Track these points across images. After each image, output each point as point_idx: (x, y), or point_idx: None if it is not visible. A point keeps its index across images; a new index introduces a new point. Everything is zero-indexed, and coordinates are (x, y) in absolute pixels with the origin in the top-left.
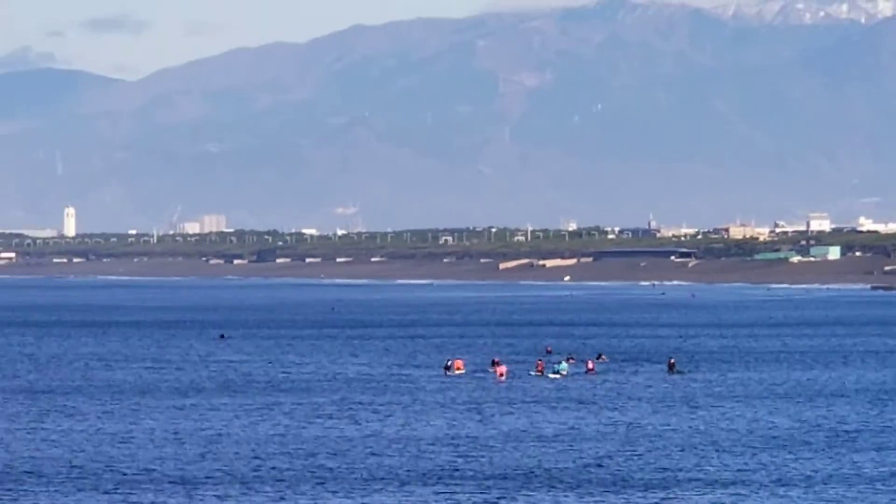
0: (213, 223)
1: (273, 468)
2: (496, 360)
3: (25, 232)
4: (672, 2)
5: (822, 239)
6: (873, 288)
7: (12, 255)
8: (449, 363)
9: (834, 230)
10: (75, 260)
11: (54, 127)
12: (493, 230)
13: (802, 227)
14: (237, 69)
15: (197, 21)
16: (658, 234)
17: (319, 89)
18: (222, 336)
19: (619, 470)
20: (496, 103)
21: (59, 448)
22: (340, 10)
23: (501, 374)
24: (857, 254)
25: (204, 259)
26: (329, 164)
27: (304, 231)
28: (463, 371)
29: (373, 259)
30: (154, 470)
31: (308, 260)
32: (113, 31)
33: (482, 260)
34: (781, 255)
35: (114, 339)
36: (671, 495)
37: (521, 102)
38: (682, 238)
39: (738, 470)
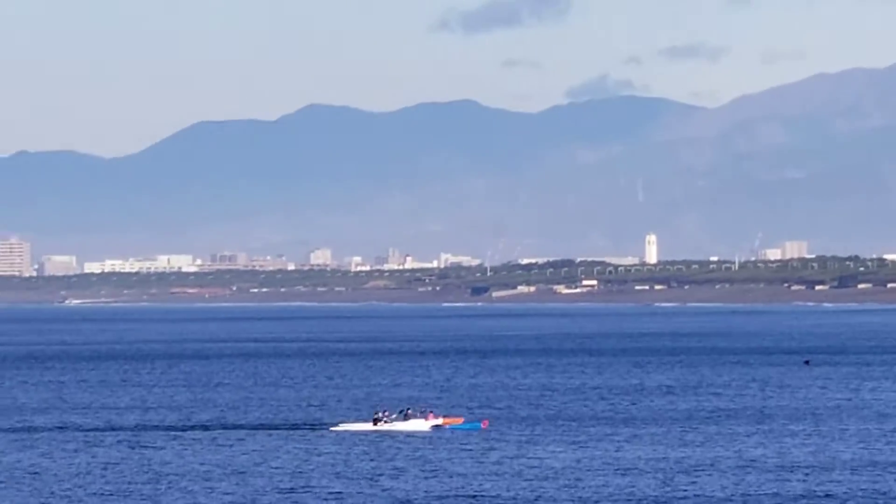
0: (794, 249)
1: None
2: None
3: (608, 259)
4: None
5: None
6: None
7: (594, 282)
8: None
9: None
10: (657, 287)
11: (635, 154)
12: None
13: None
14: (816, 95)
15: (773, 48)
16: None
17: None
18: (806, 362)
19: None
20: None
21: None
22: None
23: None
24: None
25: (785, 285)
26: None
27: (885, 256)
28: None
29: None
30: None
31: (889, 285)
32: (689, 58)
33: None
34: None
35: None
36: None
37: None
38: None
39: None
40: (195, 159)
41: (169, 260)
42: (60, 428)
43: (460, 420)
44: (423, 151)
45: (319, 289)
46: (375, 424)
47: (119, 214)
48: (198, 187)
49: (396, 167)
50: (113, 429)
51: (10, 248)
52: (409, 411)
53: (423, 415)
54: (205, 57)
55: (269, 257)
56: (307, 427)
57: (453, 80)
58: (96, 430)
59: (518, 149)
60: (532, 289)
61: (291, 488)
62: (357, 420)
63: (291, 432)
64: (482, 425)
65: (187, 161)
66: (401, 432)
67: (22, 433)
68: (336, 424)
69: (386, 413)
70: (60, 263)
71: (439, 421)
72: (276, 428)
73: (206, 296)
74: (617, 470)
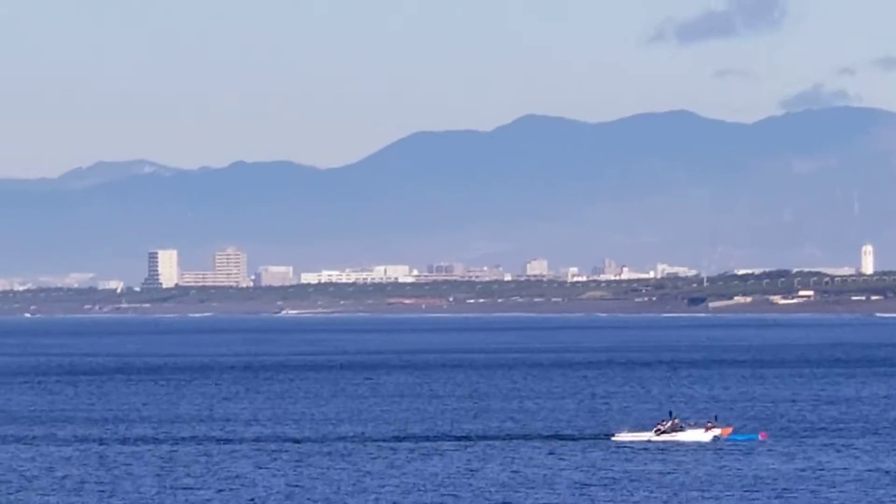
0: None
1: None
2: None
3: (823, 270)
4: None
5: None
6: None
7: (811, 293)
8: None
9: None
10: (873, 298)
11: (851, 164)
12: None
13: None
14: None
15: None
16: None
17: None
18: None
19: None
20: None
21: None
22: None
23: None
24: None
25: None
26: None
27: None
28: None
29: None
30: None
31: None
32: None
33: None
34: None
35: None
36: None
37: None
38: None
39: None
40: (412, 170)
41: (385, 270)
42: (273, 439)
43: (731, 430)
44: (639, 162)
45: (536, 299)
46: (658, 434)
47: (336, 225)
48: (414, 198)
49: (612, 177)
50: (324, 440)
51: (228, 258)
52: (689, 421)
53: (702, 425)
54: (420, 68)
55: (485, 268)
56: (588, 438)
57: (668, 91)
58: (308, 440)
59: (733, 159)
60: (748, 299)
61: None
62: (636, 430)
63: (572, 443)
64: (760, 437)
65: (404, 171)
66: (682, 442)
67: (236, 444)
68: (616, 434)
69: (668, 422)
70: (277, 274)
71: (717, 431)
72: (560, 438)
73: (423, 306)
74: None
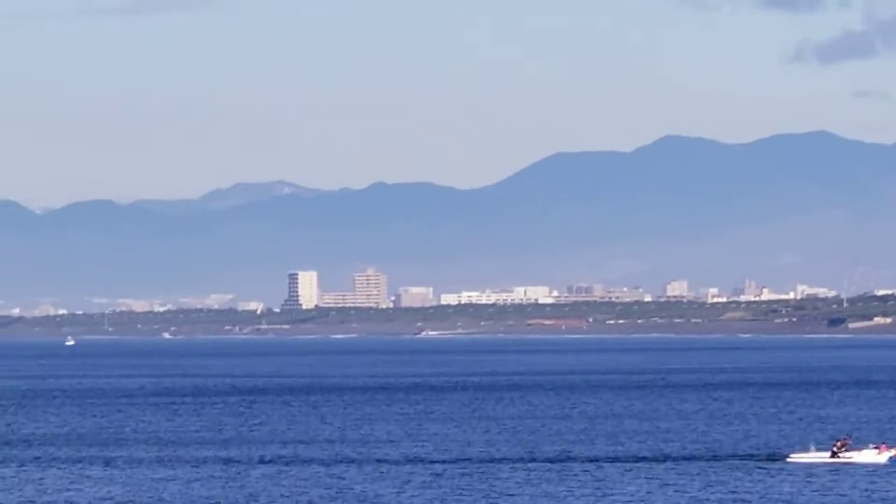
0: None
1: None
2: None
3: None
4: None
5: None
6: None
7: None
8: None
9: None
10: None
11: None
12: None
13: None
14: None
15: None
16: None
17: None
18: None
19: None
20: None
21: None
22: None
23: None
24: None
25: None
26: None
27: None
28: None
29: None
30: None
31: None
32: None
33: None
34: None
35: None
36: None
37: None
38: None
39: None
40: (552, 190)
41: (525, 291)
42: (410, 460)
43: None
44: (779, 182)
45: (675, 320)
46: (833, 456)
47: (475, 246)
48: (554, 218)
49: (751, 198)
50: (459, 460)
51: (368, 279)
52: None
53: (875, 447)
54: (560, 89)
55: (625, 288)
56: (762, 458)
57: (807, 111)
58: (444, 461)
59: (873, 179)
60: (888, 320)
61: None
62: (809, 450)
63: (751, 462)
64: None
65: (544, 192)
66: (858, 464)
67: (372, 464)
68: (792, 455)
69: (842, 442)
70: (417, 295)
71: (892, 452)
72: (737, 458)
73: (563, 327)
74: None
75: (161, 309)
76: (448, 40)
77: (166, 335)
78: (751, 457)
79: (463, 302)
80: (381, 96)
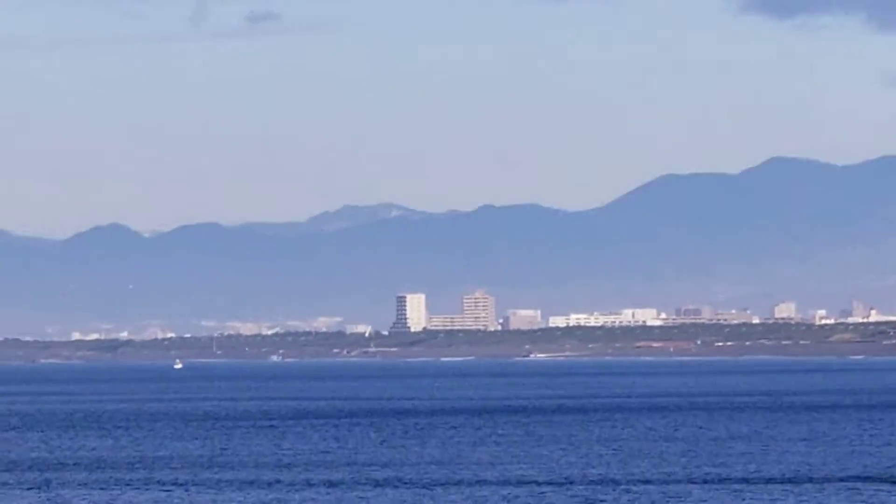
0: None
1: None
2: None
3: None
4: None
5: None
6: None
7: None
8: None
9: None
10: None
11: None
12: None
13: None
14: None
15: None
16: None
17: None
18: None
19: None
20: None
21: None
22: None
23: None
24: None
25: None
26: None
27: None
28: None
29: None
30: None
31: None
32: None
33: None
34: None
35: None
36: None
37: None
38: None
39: None
40: (659, 212)
41: (633, 314)
42: (509, 482)
43: None
44: (886, 203)
45: (783, 342)
46: None
47: (583, 268)
48: (662, 240)
49: (859, 219)
50: (563, 483)
51: (476, 301)
52: None
53: None
54: (668, 112)
55: (733, 310)
56: (878, 480)
57: None
58: (549, 483)
59: None
60: None
61: None
62: None
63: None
64: None
65: (651, 214)
66: None
67: (475, 487)
68: None
69: None
70: (525, 317)
71: None
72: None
73: (671, 350)
74: None
75: (269, 332)
76: (557, 62)
77: (274, 358)
78: (867, 479)
79: (571, 324)
80: (488, 118)
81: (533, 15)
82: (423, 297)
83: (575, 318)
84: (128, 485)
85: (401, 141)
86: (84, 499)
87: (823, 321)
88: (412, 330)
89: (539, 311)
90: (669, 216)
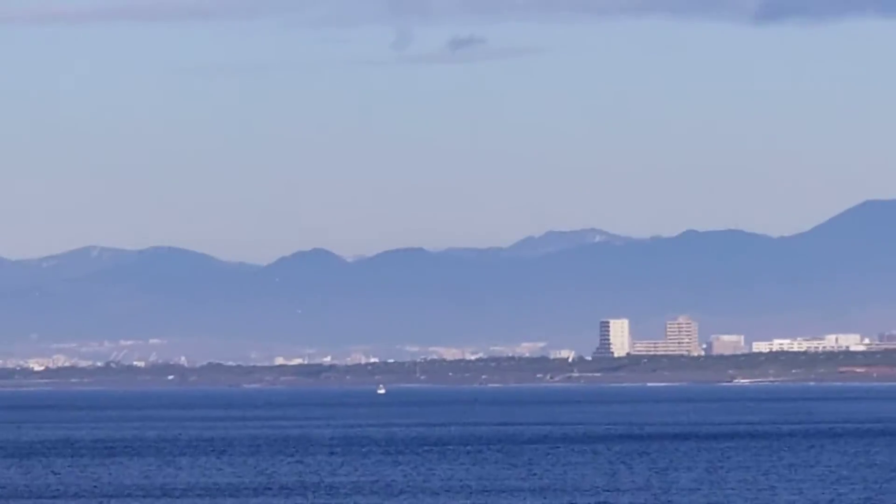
0: None
1: None
2: None
3: None
4: None
5: None
6: None
7: None
8: None
9: None
10: None
11: None
12: None
13: None
14: None
15: None
16: None
17: None
18: None
19: None
20: None
21: None
22: None
23: None
24: None
25: None
26: None
27: None
28: None
29: None
30: None
31: None
32: None
33: None
34: None
35: None
36: None
37: None
38: None
39: None
40: (862, 238)
41: (836, 339)
42: None
43: None
44: None
45: None
46: None
47: (787, 293)
48: (865, 266)
49: None
50: None
51: (679, 327)
52: None
53: None
54: (868, 136)
55: None
56: None
57: None
58: None
59: None
60: None
61: None
62: None
63: None
64: None
65: (854, 240)
66: None
67: None
68: None
69: None
70: (728, 343)
71: None
72: None
73: (874, 375)
74: None
75: (472, 357)
76: (754, 88)
77: (476, 384)
78: None
79: (774, 349)
80: (687, 144)
81: (733, 41)
82: (626, 322)
83: (778, 344)
84: None
85: (604, 166)
86: None
87: None
88: (615, 355)
89: (742, 337)
90: (872, 241)
